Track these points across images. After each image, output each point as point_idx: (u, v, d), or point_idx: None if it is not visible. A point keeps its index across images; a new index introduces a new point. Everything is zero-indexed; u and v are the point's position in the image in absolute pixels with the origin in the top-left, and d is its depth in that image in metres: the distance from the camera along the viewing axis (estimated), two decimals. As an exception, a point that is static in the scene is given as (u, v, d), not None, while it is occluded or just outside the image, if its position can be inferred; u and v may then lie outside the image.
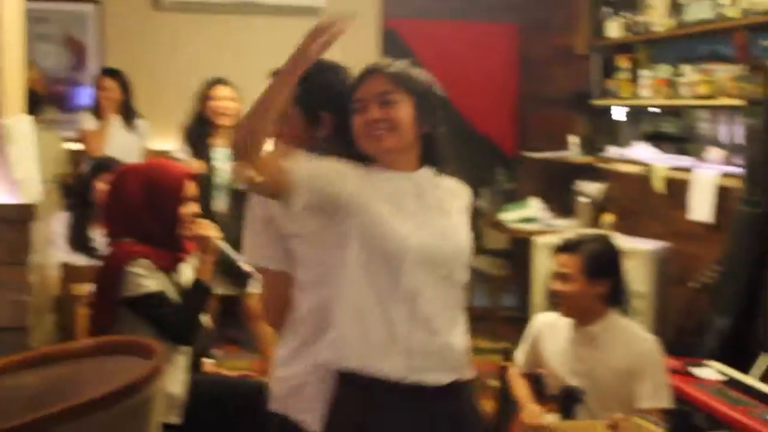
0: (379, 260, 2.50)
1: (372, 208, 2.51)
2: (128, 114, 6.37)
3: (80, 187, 5.06)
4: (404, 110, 2.54)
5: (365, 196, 2.51)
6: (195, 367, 3.76)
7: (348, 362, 2.51)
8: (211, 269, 3.64)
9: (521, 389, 3.82)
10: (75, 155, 6.38)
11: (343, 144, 2.59)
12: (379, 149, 2.54)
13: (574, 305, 3.56)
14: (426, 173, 2.62)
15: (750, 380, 3.88)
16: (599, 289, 3.55)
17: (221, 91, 5.52)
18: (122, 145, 6.15)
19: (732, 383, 3.85)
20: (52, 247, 4.81)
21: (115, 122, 6.29)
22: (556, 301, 3.60)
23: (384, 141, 2.53)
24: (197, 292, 3.57)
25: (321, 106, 2.69)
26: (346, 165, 2.53)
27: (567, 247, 3.61)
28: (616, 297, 3.64)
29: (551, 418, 3.66)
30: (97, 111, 6.34)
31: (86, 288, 4.01)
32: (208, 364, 3.90)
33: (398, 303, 2.50)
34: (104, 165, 4.99)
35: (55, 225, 4.97)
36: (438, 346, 2.54)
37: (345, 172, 2.51)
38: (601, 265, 3.57)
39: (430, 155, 2.62)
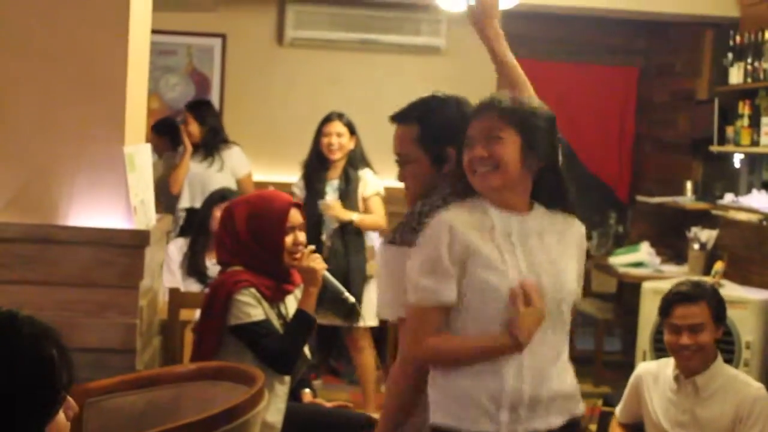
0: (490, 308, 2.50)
1: (481, 254, 2.49)
2: (208, 147, 6.34)
3: (200, 215, 5.24)
4: (509, 147, 2.49)
5: (471, 250, 2.49)
6: (293, 396, 3.82)
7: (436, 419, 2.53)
8: (315, 301, 3.70)
9: None
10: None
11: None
12: (484, 187, 2.52)
13: (704, 356, 3.48)
14: (539, 212, 2.57)
15: None
16: (719, 334, 3.52)
17: (331, 127, 5.59)
18: (202, 178, 6.21)
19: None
20: (167, 271, 4.96)
21: (195, 156, 6.30)
22: (686, 355, 3.48)
23: (488, 179, 2.50)
24: (300, 323, 3.62)
25: (444, 142, 2.70)
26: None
27: (690, 297, 3.50)
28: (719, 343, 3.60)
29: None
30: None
31: (194, 313, 4.12)
32: (307, 393, 3.95)
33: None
34: (222, 194, 5.16)
35: (172, 250, 5.14)
36: (547, 394, 2.51)
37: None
38: (723, 309, 3.54)
39: (545, 192, 2.58)
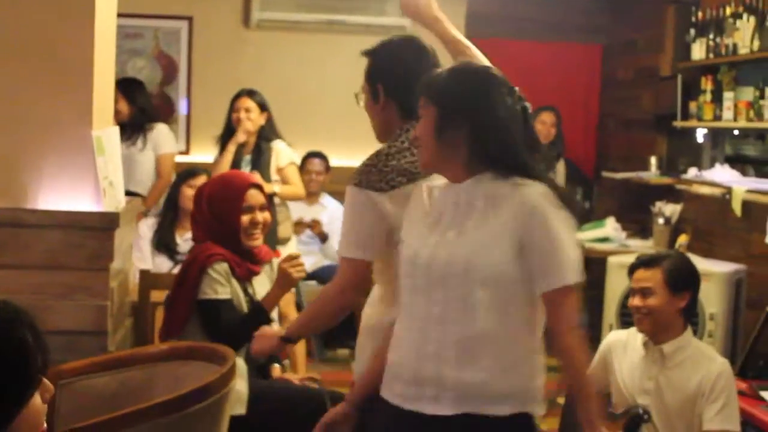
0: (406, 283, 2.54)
1: (405, 228, 2.57)
2: (134, 127, 6.24)
3: (169, 192, 5.29)
4: (423, 123, 2.50)
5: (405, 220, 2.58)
6: (263, 372, 3.88)
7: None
8: (278, 302, 3.77)
9: None
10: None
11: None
12: (421, 165, 2.58)
13: (655, 320, 3.55)
14: (477, 181, 2.46)
15: (820, 406, 3.85)
16: (680, 304, 3.56)
17: (240, 102, 5.69)
18: (125, 160, 6.12)
19: (801, 408, 3.83)
20: (136, 249, 4.99)
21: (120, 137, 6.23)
22: (638, 318, 3.59)
23: (420, 156, 2.56)
24: (256, 321, 3.59)
25: (376, 79, 2.83)
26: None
27: (646, 262, 3.62)
28: (691, 314, 3.66)
29: (615, 438, 3.68)
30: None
31: (164, 295, 4.15)
32: (276, 368, 4.00)
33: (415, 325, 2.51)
34: (191, 172, 5.21)
35: (143, 228, 5.17)
36: (448, 378, 2.44)
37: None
38: (682, 278, 3.58)
39: (488, 156, 2.45)
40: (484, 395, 2.43)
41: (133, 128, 6.19)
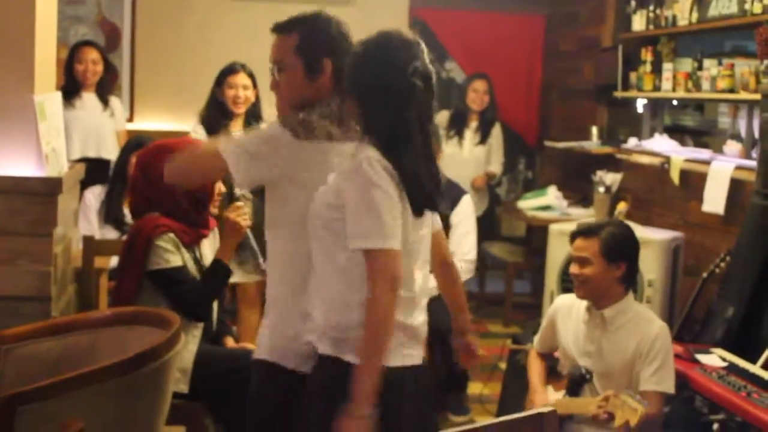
0: None
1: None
2: (104, 91, 6.20)
3: (117, 161, 5.22)
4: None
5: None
6: (217, 342, 3.90)
7: None
8: (232, 252, 3.77)
9: (535, 369, 3.94)
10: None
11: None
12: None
13: (592, 288, 3.64)
14: (348, 144, 2.68)
15: (752, 367, 3.94)
16: (616, 272, 3.64)
17: (237, 78, 5.41)
18: (97, 124, 6.10)
19: (734, 369, 3.91)
20: (83, 219, 4.96)
21: (90, 100, 6.14)
22: (576, 285, 3.68)
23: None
24: (216, 273, 3.69)
25: (321, 53, 2.82)
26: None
27: (584, 232, 3.70)
28: (631, 281, 3.74)
29: (558, 397, 3.77)
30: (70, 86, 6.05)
31: (108, 261, 4.15)
32: (229, 339, 4.01)
33: None
34: (139, 141, 5.13)
35: (89, 198, 5.11)
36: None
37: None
38: (618, 249, 3.66)
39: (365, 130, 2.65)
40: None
41: (102, 94, 6.15)
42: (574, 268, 3.69)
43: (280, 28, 2.90)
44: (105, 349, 3.13)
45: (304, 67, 2.84)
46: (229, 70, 5.41)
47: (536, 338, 4.01)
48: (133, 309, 3.37)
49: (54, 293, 3.56)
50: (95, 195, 5.14)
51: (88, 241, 4.21)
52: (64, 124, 4.03)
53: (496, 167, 7.27)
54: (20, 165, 3.54)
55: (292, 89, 2.87)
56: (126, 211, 5.04)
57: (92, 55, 6.13)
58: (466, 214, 4.83)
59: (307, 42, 2.84)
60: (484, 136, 7.18)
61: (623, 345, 3.61)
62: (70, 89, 5.96)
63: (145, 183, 3.72)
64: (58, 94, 4.06)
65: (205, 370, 3.64)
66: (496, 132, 7.24)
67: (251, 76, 5.45)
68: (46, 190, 3.52)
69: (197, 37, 7.46)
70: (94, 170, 5.19)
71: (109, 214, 5.05)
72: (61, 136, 3.92)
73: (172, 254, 3.64)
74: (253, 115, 5.41)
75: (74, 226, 4.21)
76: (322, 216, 2.58)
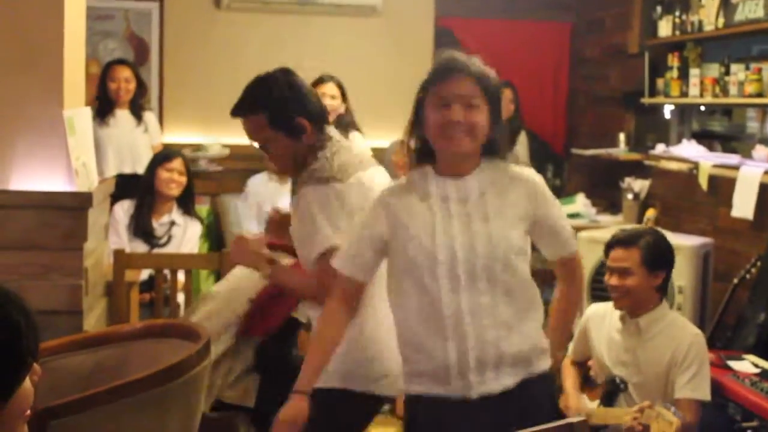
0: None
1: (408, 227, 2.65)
2: (137, 108, 6.26)
3: (144, 175, 5.26)
4: (483, 115, 2.61)
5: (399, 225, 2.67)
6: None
7: None
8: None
9: (569, 377, 3.92)
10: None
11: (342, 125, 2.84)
12: (456, 150, 2.62)
13: (633, 298, 3.62)
14: (481, 170, 2.67)
15: (785, 374, 3.92)
16: (656, 281, 3.63)
17: (325, 88, 5.52)
18: (131, 140, 6.15)
19: (767, 375, 3.89)
20: (113, 233, 4.99)
21: (124, 117, 6.22)
22: (616, 297, 3.65)
23: (462, 144, 2.60)
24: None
25: (293, 115, 2.91)
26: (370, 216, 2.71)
27: (623, 242, 3.66)
28: (666, 288, 3.73)
29: (592, 406, 3.75)
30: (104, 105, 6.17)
31: (138, 274, 4.17)
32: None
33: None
34: (166, 155, 5.18)
35: (118, 212, 5.15)
36: (507, 355, 2.69)
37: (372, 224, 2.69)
38: (659, 257, 3.65)
39: (491, 152, 2.70)
40: (533, 356, 2.70)
41: (136, 110, 6.22)
42: (613, 280, 3.64)
43: (243, 112, 3.00)
44: (136, 362, 3.14)
45: (286, 135, 2.93)
46: (318, 81, 5.52)
47: (570, 346, 3.99)
48: (163, 322, 3.40)
49: (85, 307, 3.59)
50: (124, 209, 5.18)
51: (118, 254, 4.24)
52: (98, 142, 4.08)
53: None
54: (51, 180, 3.57)
55: (285, 155, 2.98)
56: (155, 224, 5.08)
57: (125, 73, 6.22)
58: None
59: (276, 114, 2.92)
60: (510, 144, 7.17)
61: (658, 353, 3.59)
62: (104, 108, 6.05)
63: None
64: (88, 109, 4.10)
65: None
66: (522, 140, 7.23)
67: (340, 86, 5.56)
68: (77, 204, 3.55)
69: (225, 50, 7.49)
70: (129, 185, 5.26)
71: (138, 228, 5.09)
72: (91, 151, 3.95)
73: None
74: (342, 124, 5.44)
75: (104, 239, 4.24)
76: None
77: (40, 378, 3.03)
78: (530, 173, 2.73)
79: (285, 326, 3.68)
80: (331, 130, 3.02)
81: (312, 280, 2.92)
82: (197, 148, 7.12)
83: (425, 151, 2.69)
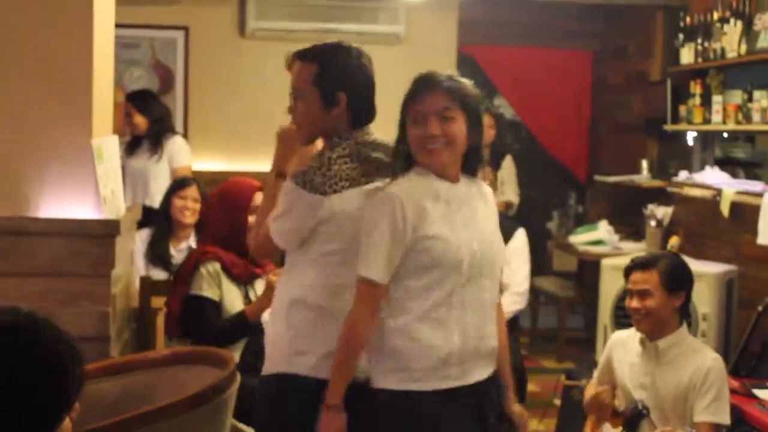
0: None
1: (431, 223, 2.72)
2: (155, 139, 6.22)
3: (161, 203, 5.30)
4: (459, 126, 2.72)
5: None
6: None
7: None
8: (260, 313, 3.83)
9: (591, 413, 3.92)
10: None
11: (356, 118, 2.86)
12: (435, 162, 2.73)
13: (654, 320, 3.62)
14: (463, 181, 2.80)
15: (810, 403, 3.90)
16: (676, 303, 3.63)
17: None
18: (144, 172, 6.14)
19: (792, 405, 3.88)
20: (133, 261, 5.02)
21: (139, 150, 6.21)
22: (637, 319, 3.66)
23: (440, 155, 2.72)
24: (236, 329, 3.86)
25: (338, 86, 2.86)
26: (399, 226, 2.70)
27: (642, 265, 3.68)
28: (686, 312, 3.73)
29: (614, 432, 3.75)
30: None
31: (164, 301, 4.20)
32: None
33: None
34: (181, 182, 5.22)
35: (136, 241, 5.18)
36: (494, 348, 2.92)
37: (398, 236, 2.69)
38: (678, 278, 3.66)
39: (470, 166, 2.82)
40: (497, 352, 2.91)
41: (151, 140, 6.19)
42: (634, 303, 3.65)
43: (302, 56, 2.99)
44: (163, 388, 3.16)
45: (321, 98, 2.89)
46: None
47: (595, 374, 3.99)
48: (190, 348, 3.43)
49: (113, 333, 3.61)
50: (141, 239, 5.20)
51: (144, 281, 4.27)
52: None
53: (512, 197, 7.19)
54: (79, 207, 3.60)
55: (307, 118, 2.93)
56: (173, 251, 5.11)
57: (127, 109, 6.26)
58: (518, 246, 4.87)
59: (325, 73, 2.89)
60: (494, 169, 7.16)
61: (676, 377, 3.59)
62: (133, 141, 6.18)
63: (215, 211, 4.02)
64: (115, 137, 4.14)
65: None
66: (507, 164, 7.20)
67: None
68: (105, 231, 3.57)
69: (249, 78, 7.55)
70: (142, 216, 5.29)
71: (155, 255, 5.11)
72: (118, 179, 3.99)
73: (208, 285, 3.84)
74: None
75: (131, 266, 4.27)
76: None
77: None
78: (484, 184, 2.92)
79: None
80: (369, 133, 2.95)
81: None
82: (222, 175, 7.15)
83: (410, 167, 2.78)
